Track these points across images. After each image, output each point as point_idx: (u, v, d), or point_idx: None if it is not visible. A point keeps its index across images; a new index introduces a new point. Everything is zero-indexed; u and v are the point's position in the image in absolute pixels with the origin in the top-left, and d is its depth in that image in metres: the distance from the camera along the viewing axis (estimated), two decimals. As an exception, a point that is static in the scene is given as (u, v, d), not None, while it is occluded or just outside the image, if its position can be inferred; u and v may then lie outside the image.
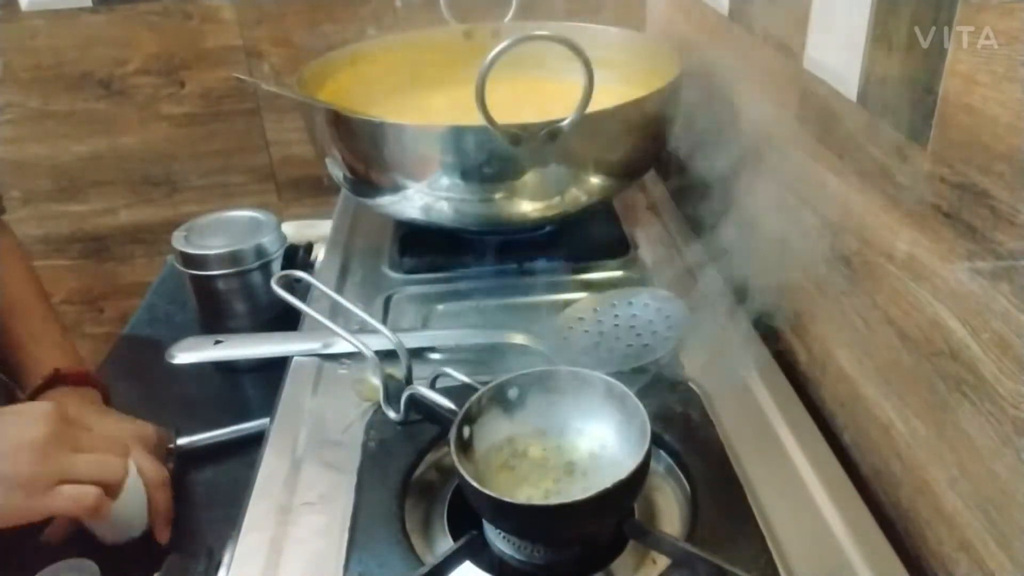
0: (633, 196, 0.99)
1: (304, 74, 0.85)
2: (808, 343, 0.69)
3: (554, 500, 0.49)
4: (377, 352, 0.61)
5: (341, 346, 0.70)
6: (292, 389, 0.68)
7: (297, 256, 0.93)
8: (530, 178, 0.72)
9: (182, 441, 0.77)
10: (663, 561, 0.50)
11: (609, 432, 0.54)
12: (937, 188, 0.47)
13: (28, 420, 0.58)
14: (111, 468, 0.61)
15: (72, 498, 0.57)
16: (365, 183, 0.78)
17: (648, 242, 0.89)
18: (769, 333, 0.75)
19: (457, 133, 0.69)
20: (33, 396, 0.73)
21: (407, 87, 0.94)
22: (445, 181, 0.72)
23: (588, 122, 0.66)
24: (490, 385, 0.54)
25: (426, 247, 0.86)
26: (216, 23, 1.24)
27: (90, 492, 0.57)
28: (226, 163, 1.35)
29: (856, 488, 0.56)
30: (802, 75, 0.64)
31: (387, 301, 0.80)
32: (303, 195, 1.37)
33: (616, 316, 0.70)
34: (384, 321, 0.76)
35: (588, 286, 0.79)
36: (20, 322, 0.80)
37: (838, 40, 0.58)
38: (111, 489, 0.60)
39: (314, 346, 0.72)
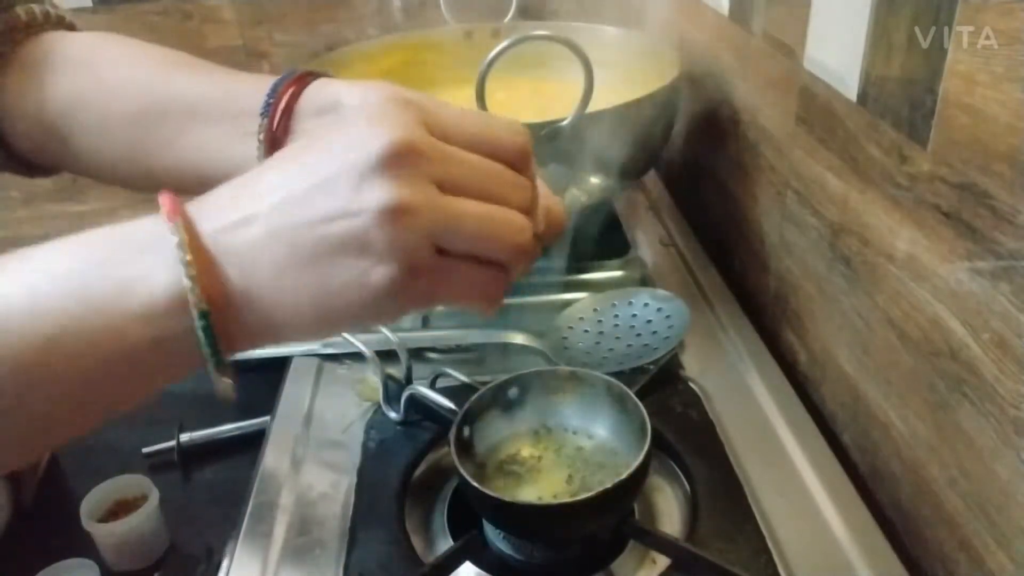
0: (633, 196, 0.99)
1: (304, 74, 0.85)
2: (808, 343, 0.69)
3: (554, 500, 0.49)
4: (377, 352, 0.61)
5: (341, 346, 0.70)
6: (292, 389, 0.68)
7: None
8: (530, 178, 0.72)
9: (184, 438, 0.77)
10: (663, 561, 0.50)
11: (609, 432, 0.54)
12: (937, 188, 0.47)
13: (356, 137, 0.31)
14: (511, 229, 0.33)
15: (464, 281, 0.33)
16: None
17: (648, 242, 0.89)
18: (769, 333, 0.75)
19: (457, 133, 0.69)
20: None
21: (407, 87, 0.94)
22: (445, 181, 0.72)
23: (588, 122, 0.66)
24: (490, 385, 0.54)
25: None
26: (216, 23, 1.24)
27: (484, 277, 0.33)
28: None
29: (856, 488, 0.56)
30: (802, 75, 0.64)
31: (387, 301, 0.80)
32: (303, 195, 1.36)
33: (616, 316, 0.70)
34: (384, 321, 0.76)
35: (588, 286, 0.79)
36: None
37: (838, 40, 0.58)
38: (507, 261, 0.34)
39: (314, 346, 0.72)
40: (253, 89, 0.47)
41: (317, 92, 0.46)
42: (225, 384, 0.33)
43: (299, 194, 0.31)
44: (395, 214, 0.30)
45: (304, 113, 0.46)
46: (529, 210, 0.34)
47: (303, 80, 0.47)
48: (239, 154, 0.47)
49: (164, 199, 0.33)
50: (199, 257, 0.31)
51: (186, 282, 0.30)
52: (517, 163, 0.34)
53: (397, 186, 0.30)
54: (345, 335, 0.63)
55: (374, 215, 0.30)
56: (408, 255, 0.30)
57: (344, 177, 0.30)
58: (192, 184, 0.51)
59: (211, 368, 0.32)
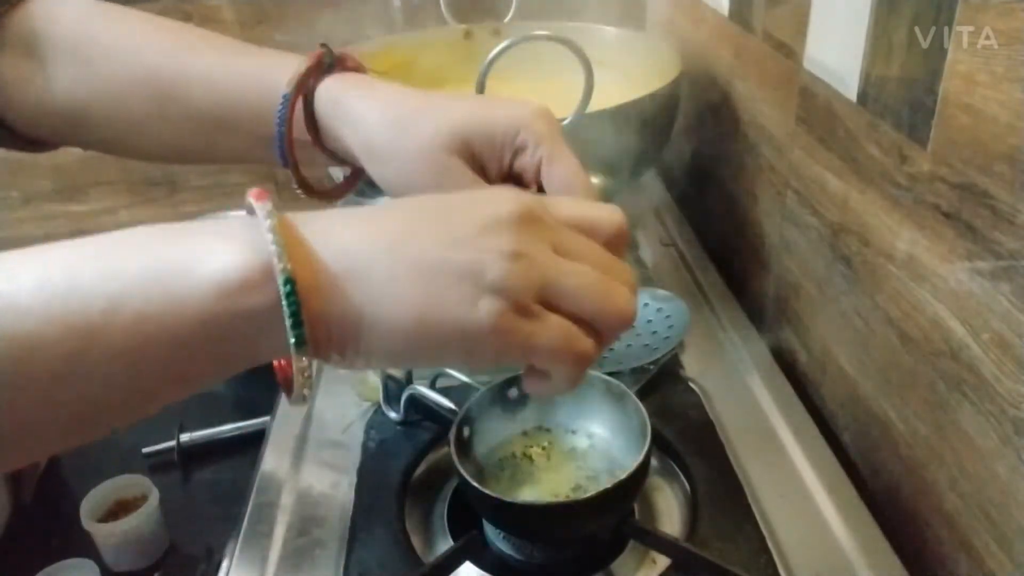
0: (633, 196, 0.99)
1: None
2: (808, 343, 0.69)
3: (554, 500, 0.49)
4: (377, 352, 0.61)
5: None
6: (292, 389, 0.68)
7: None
8: (530, 178, 0.72)
9: (184, 438, 0.77)
10: (663, 561, 0.50)
11: (609, 432, 0.54)
12: (937, 188, 0.47)
13: (488, 198, 0.34)
14: (617, 295, 0.35)
15: (564, 335, 0.34)
16: (366, 183, 0.78)
17: (648, 242, 0.89)
18: (769, 333, 0.75)
19: (457, 133, 0.69)
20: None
21: (408, 86, 0.94)
22: (445, 181, 0.72)
23: (588, 122, 0.66)
24: (490, 385, 0.54)
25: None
26: (216, 23, 1.24)
27: (582, 338, 0.34)
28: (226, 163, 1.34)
29: (856, 488, 0.56)
30: (802, 75, 0.64)
31: (387, 301, 0.80)
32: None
33: (616, 316, 0.70)
34: (384, 321, 0.76)
35: (588, 286, 0.79)
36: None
37: (838, 40, 0.58)
38: (607, 327, 0.35)
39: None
40: (267, 88, 0.46)
41: (335, 136, 0.46)
42: (302, 381, 0.32)
43: (427, 224, 0.33)
44: (514, 256, 0.32)
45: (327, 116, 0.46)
46: (632, 287, 0.36)
47: (304, 98, 0.46)
48: (271, 156, 0.47)
49: (252, 193, 0.32)
50: (290, 239, 0.30)
51: (273, 248, 0.29)
52: (614, 243, 0.37)
53: (520, 237, 0.33)
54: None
55: (496, 253, 0.32)
56: (518, 294, 0.32)
57: (475, 220, 0.33)
58: (247, 161, 0.53)
59: (292, 347, 0.30)
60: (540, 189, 0.44)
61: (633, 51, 0.91)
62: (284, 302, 0.29)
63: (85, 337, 0.28)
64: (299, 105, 0.46)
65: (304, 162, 0.48)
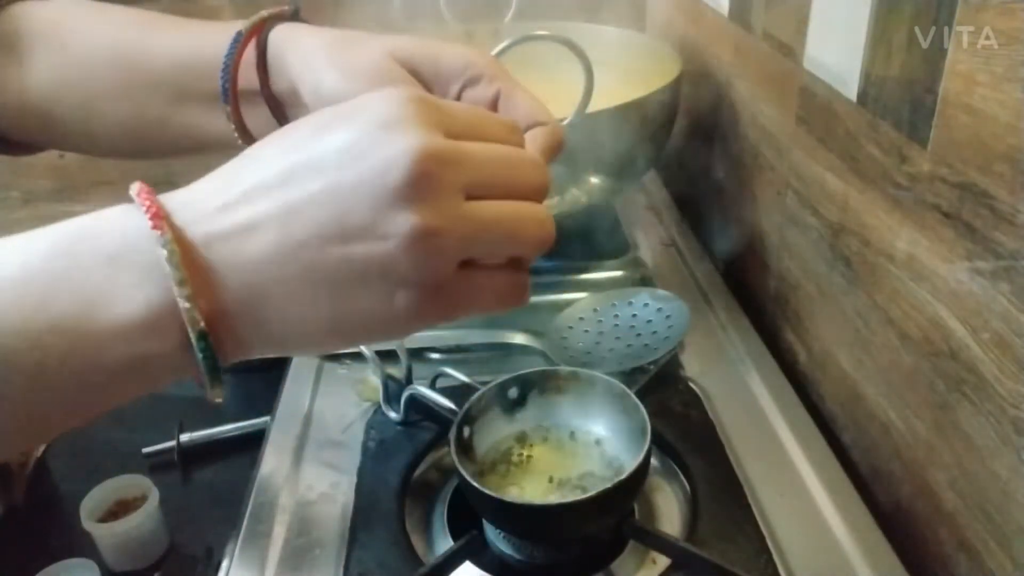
0: (633, 196, 0.99)
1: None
2: (808, 343, 0.69)
3: (554, 500, 0.49)
4: (377, 352, 0.61)
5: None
6: (292, 389, 0.68)
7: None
8: (530, 178, 0.72)
9: (184, 438, 0.77)
10: (663, 561, 0.50)
11: (609, 432, 0.54)
12: (937, 188, 0.47)
13: (376, 141, 0.29)
14: (534, 223, 0.31)
15: (488, 290, 0.32)
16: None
17: (648, 242, 0.89)
18: (769, 333, 0.75)
19: (457, 133, 0.69)
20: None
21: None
22: (445, 181, 0.72)
23: (588, 122, 0.66)
24: (490, 385, 0.54)
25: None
26: (216, 23, 1.24)
27: (506, 280, 0.32)
28: (226, 163, 1.34)
29: (856, 488, 0.56)
30: (802, 75, 0.64)
31: (387, 301, 0.80)
32: (303, 195, 1.36)
33: (616, 316, 0.70)
34: (384, 321, 0.76)
35: (588, 286, 0.79)
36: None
37: (838, 40, 0.58)
38: (528, 254, 0.33)
39: (314, 346, 0.72)
40: (218, 58, 0.46)
41: (280, 67, 0.46)
42: (216, 393, 0.30)
43: (308, 201, 0.28)
44: (423, 238, 0.28)
45: (275, 76, 0.46)
46: (546, 190, 0.33)
47: (257, 40, 0.46)
48: (231, 129, 0.47)
49: (141, 195, 0.29)
50: (194, 273, 0.28)
51: (183, 303, 0.27)
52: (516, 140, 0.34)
53: (424, 209, 0.28)
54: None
55: (400, 240, 0.28)
56: (434, 276, 0.29)
57: (365, 194, 0.28)
58: (197, 149, 0.51)
59: (207, 385, 0.29)
60: None
61: (633, 51, 0.90)
62: (199, 356, 0.28)
63: None
64: (251, 53, 0.46)
65: (248, 115, 0.47)
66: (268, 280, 0.29)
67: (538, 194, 0.32)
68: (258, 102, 0.47)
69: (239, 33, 0.45)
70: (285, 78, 0.46)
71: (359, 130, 0.29)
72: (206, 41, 0.47)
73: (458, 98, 0.43)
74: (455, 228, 0.29)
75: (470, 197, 0.30)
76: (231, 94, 0.46)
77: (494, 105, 0.42)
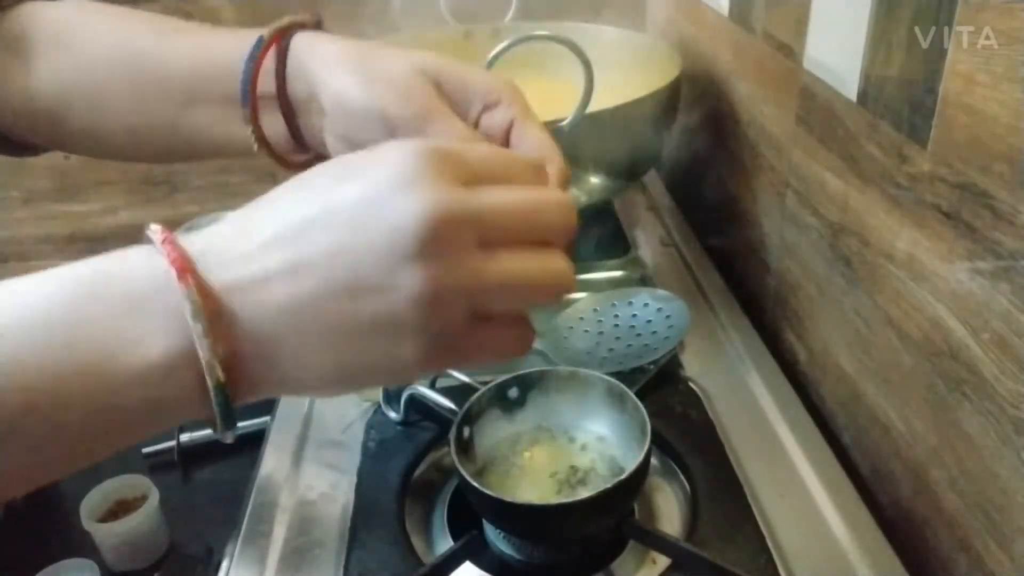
0: (633, 196, 0.99)
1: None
2: (808, 343, 0.69)
3: (554, 500, 0.49)
4: (377, 352, 0.61)
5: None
6: (292, 389, 0.68)
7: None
8: (530, 178, 0.72)
9: (184, 438, 0.77)
10: (663, 561, 0.50)
11: (609, 432, 0.54)
12: (937, 188, 0.47)
13: (389, 199, 0.29)
14: (551, 272, 0.32)
15: (494, 341, 0.33)
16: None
17: (648, 242, 0.89)
18: (769, 333, 0.75)
19: (457, 133, 0.69)
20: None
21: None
22: (445, 181, 0.72)
23: (588, 122, 0.66)
24: (490, 385, 0.54)
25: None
26: (216, 23, 1.24)
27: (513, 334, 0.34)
28: (226, 163, 1.34)
29: (856, 488, 0.56)
30: (802, 75, 0.64)
31: (387, 301, 0.80)
32: (303, 195, 1.36)
33: (616, 316, 0.70)
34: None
35: (588, 286, 0.79)
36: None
37: (838, 40, 0.58)
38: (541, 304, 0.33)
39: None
40: (234, 62, 0.45)
41: (300, 73, 0.45)
42: (228, 436, 0.31)
43: (322, 255, 0.29)
44: (432, 296, 0.29)
45: (294, 80, 0.45)
46: (572, 230, 0.33)
47: (278, 45, 0.45)
48: (245, 134, 0.46)
49: (165, 244, 0.29)
50: (214, 322, 0.28)
51: (204, 354, 0.28)
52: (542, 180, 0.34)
53: (435, 269, 0.28)
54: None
55: (409, 297, 0.29)
56: (441, 331, 0.30)
57: (377, 252, 0.29)
58: (204, 154, 0.51)
59: (219, 428, 0.30)
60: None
61: (633, 51, 0.91)
62: (216, 407, 0.29)
63: (4, 430, 0.27)
64: (270, 59, 0.45)
65: (264, 124, 0.47)
66: (282, 329, 0.30)
67: (564, 236, 0.32)
68: (271, 108, 0.47)
69: (260, 38, 0.44)
70: (304, 85, 0.45)
71: (374, 186, 0.29)
72: (217, 45, 0.47)
73: (477, 120, 0.43)
74: (465, 286, 0.29)
75: (491, 244, 0.30)
76: (250, 98, 0.45)
77: (507, 131, 0.42)
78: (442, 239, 0.29)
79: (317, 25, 0.47)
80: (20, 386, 0.27)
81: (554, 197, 0.33)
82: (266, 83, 0.46)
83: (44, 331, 0.28)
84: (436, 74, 0.42)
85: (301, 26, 0.46)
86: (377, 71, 0.42)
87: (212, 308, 0.29)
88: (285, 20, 0.46)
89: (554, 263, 0.32)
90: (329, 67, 0.44)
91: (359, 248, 0.29)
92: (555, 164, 0.40)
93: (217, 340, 0.28)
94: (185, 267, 0.29)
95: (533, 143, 0.41)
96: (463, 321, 0.30)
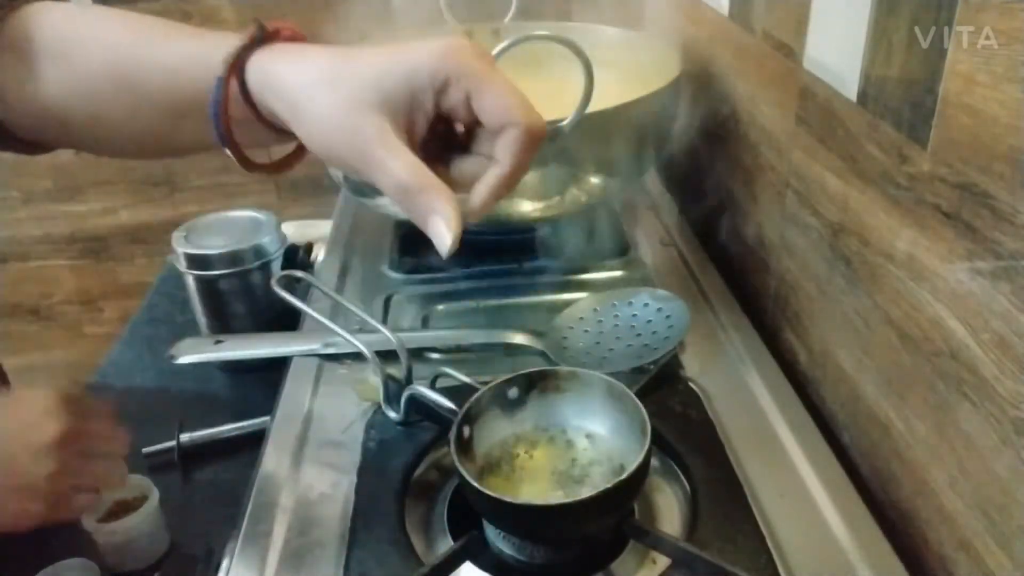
0: (633, 196, 0.99)
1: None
2: (808, 343, 0.69)
3: (554, 500, 0.49)
4: (377, 352, 0.61)
5: (341, 346, 0.70)
6: (292, 389, 0.68)
7: (297, 256, 0.93)
8: (530, 178, 0.72)
9: (184, 438, 0.77)
10: (663, 561, 0.50)
11: (609, 432, 0.54)
12: (937, 188, 0.47)
13: (37, 418, 0.55)
14: (117, 476, 0.61)
15: (83, 508, 0.59)
16: (365, 183, 0.78)
17: (648, 242, 0.89)
18: (769, 333, 0.75)
19: (457, 133, 0.69)
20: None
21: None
22: (445, 181, 0.72)
23: (588, 122, 0.66)
24: (490, 385, 0.54)
25: (426, 247, 0.84)
26: (216, 23, 1.24)
27: (95, 501, 0.60)
28: (226, 163, 1.34)
29: (856, 488, 0.56)
30: (802, 75, 0.64)
31: (387, 301, 0.80)
32: (303, 195, 1.37)
33: (616, 316, 0.70)
34: (384, 321, 0.76)
35: (588, 286, 0.79)
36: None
37: (838, 40, 0.58)
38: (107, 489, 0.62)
39: (314, 346, 0.72)
40: (208, 85, 0.45)
41: (265, 103, 0.45)
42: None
43: None
44: (55, 477, 0.54)
45: (262, 93, 0.45)
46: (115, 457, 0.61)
47: (237, 78, 0.46)
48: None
49: None
50: None
51: None
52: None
53: (59, 460, 0.54)
54: (345, 335, 0.62)
55: (45, 476, 0.54)
56: (55, 495, 0.55)
57: (27, 450, 0.54)
58: (205, 151, 0.52)
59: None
60: (478, 123, 0.42)
61: (633, 51, 0.91)
62: None
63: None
64: (237, 84, 0.45)
65: (252, 143, 0.48)
66: None
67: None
68: (254, 127, 0.47)
69: (219, 79, 0.44)
70: (277, 118, 0.45)
71: (30, 419, 0.56)
72: (194, 64, 0.47)
73: (436, 110, 0.42)
74: (72, 474, 0.57)
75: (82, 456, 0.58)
76: (227, 138, 0.46)
77: (469, 106, 0.41)
78: (64, 443, 0.55)
79: (262, 38, 0.46)
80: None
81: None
82: (240, 110, 0.46)
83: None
84: (384, 93, 0.41)
85: (251, 45, 0.45)
86: (326, 114, 0.42)
87: None
88: (233, 48, 0.44)
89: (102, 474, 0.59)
90: (286, 107, 0.44)
91: (16, 449, 0.55)
92: (519, 128, 0.40)
93: None
94: None
95: (493, 106, 0.40)
96: (66, 492, 0.57)
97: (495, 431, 0.54)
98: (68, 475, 0.55)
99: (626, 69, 0.86)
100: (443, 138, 0.45)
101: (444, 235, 0.41)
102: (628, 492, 0.49)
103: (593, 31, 0.93)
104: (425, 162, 0.41)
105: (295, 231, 1.03)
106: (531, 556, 0.50)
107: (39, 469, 0.53)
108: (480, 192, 0.42)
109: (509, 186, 0.42)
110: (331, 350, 0.71)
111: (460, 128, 0.44)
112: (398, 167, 0.40)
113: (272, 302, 0.85)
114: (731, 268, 0.85)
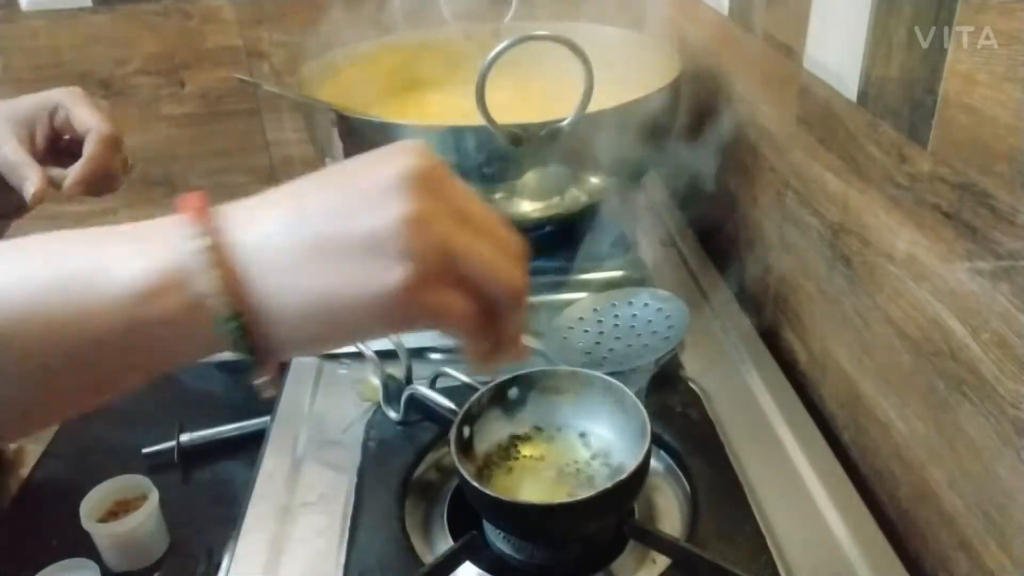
0: (633, 196, 0.99)
1: (304, 74, 0.85)
2: (808, 343, 0.69)
3: (554, 500, 0.49)
4: (377, 352, 0.61)
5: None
6: (292, 389, 0.68)
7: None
8: (530, 178, 0.72)
9: (184, 438, 0.77)
10: (663, 561, 0.50)
11: (609, 432, 0.54)
12: (937, 188, 0.47)
13: (389, 154, 0.34)
14: (513, 274, 0.35)
15: (471, 307, 0.34)
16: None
17: (648, 242, 0.89)
18: (769, 333, 0.75)
19: (457, 133, 0.69)
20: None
21: (407, 87, 0.94)
22: (445, 181, 0.72)
23: (588, 122, 0.66)
24: (490, 385, 0.54)
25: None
26: (216, 23, 1.24)
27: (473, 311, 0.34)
28: (226, 163, 1.35)
29: (856, 488, 0.56)
30: (802, 75, 0.64)
31: (387, 301, 0.80)
32: (303, 195, 1.36)
33: (616, 316, 0.70)
34: (384, 321, 0.76)
35: (588, 286, 0.79)
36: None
37: (838, 40, 0.58)
38: (501, 305, 0.35)
39: (314, 346, 0.71)
40: None
41: None
42: (264, 383, 0.33)
43: (319, 187, 0.33)
44: (415, 222, 0.31)
45: None
46: (523, 264, 0.36)
47: None
48: None
49: (189, 200, 0.32)
50: (216, 252, 0.30)
51: (205, 272, 0.30)
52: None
53: (419, 200, 0.32)
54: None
55: (396, 219, 0.31)
56: (422, 260, 0.31)
57: (372, 187, 0.32)
58: None
59: (250, 365, 0.32)
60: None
61: (633, 51, 0.90)
62: (232, 337, 0.31)
63: None
64: None
65: None
66: (273, 248, 0.31)
67: (518, 258, 0.36)
68: None
69: None
70: None
71: (371, 155, 0.34)
72: None
73: (51, 125, 0.64)
74: (442, 225, 0.32)
75: (462, 223, 0.33)
76: None
77: (70, 124, 0.63)
78: (426, 183, 0.32)
79: None
80: (15, 301, 0.29)
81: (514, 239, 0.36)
82: None
83: (42, 251, 0.31)
84: (13, 114, 0.62)
85: None
86: None
87: (215, 241, 0.31)
88: None
89: (516, 265, 0.35)
90: None
91: (353, 181, 0.33)
92: (101, 131, 0.61)
93: (216, 265, 0.30)
94: (196, 208, 0.31)
95: (80, 120, 0.62)
96: (440, 264, 0.32)
97: (495, 431, 0.54)
98: (436, 222, 0.32)
99: (626, 69, 0.86)
100: (66, 151, 0.64)
101: (28, 192, 0.61)
102: (628, 492, 0.49)
103: (593, 31, 0.93)
104: (50, 164, 0.62)
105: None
106: (531, 556, 0.50)
107: (388, 205, 0.32)
108: (70, 176, 0.61)
109: (92, 171, 0.61)
110: (331, 350, 0.71)
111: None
112: (7, 151, 0.61)
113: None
114: (731, 269, 0.85)
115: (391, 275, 0.31)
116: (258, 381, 0.32)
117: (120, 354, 0.31)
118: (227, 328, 0.30)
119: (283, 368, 0.71)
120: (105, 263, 0.30)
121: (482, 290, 0.34)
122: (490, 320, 0.35)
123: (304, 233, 0.31)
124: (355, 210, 0.32)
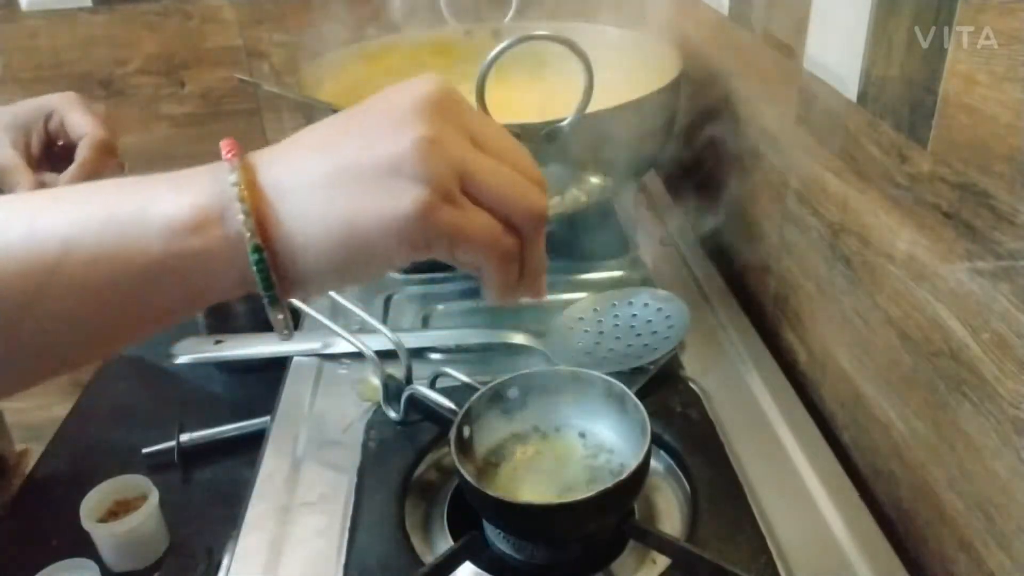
0: (633, 196, 0.99)
1: (304, 74, 0.85)
2: (808, 343, 0.69)
3: (554, 500, 0.49)
4: (377, 352, 0.61)
5: (341, 346, 0.70)
6: (292, 389, 0.68)
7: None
8: (530, 178, 0.72)
9: (184, 438, 0.77)
10: (663, 561, 0.50)
11: (609, 432, 0.54)
12: (937, 188, 0.47)
13: (407, 86, 0.35)
14: (532, 194, 0.35)
15: (491, 227, 0.34)
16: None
17: (648, 242, 0.89)
18: (769, 333, 0.75)
19: (457, 133, 0.69)
20: None
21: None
22: (445, 181, 0.72)
23: (588, 122, 0.66)
24: (490, 385, 0.54)
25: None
26: (216, 23, 1.24)
27: (507, 234, 0.35)
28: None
29: (856, 488, 0.56)
30: (802, 75, 0.64)
31: (387, 301, 0.80)
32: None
33: (616, 316, 0.70)
34: (384, 321, 0.76)
35: (588, 286, 0.79)
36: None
37: (838, 40, 0.58)
38: (523, 226, 0.36)
39: (314, 346, 0.72)
40: None
41: None
42: (278, 320, 0.35)
43: (347, 127, 0.35)
44: (430, 144, 0.33)
45: None
46: (543, 186, 0.36)
47: None
48: None
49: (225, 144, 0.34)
50: (250, 189, 0.33)
51: (240, 215, 0.32)
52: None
53: (434, 123, 0.33)
54: (345, 335, 0.62)
55: (411, 142, 0.32)
56: (439, 180, 0.33)
57: (389, 116, 0.34)
58: None
59: (267, 305, 0.34)
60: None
61: (633, 51, 0.90)
62: (255, 269, 0.32)
63: (43, 274, 0.31)
64: None
65: None
66: (298, 181, 0.33)
67: (538, 184, 0.36)
68: None
69: None
70: None
71: (397, 87, 0.36)
72: None
73: (46, 131, 0.65)
74: (458, 146, 0.34)
75: (480, 146, 0.35)
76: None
77: (65, 131, 0.64)
78: (442, 107, 0.34)
79: None
80: (61, 236, 0.31)
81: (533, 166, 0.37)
82: None
83: (91, 192, 0.33)
84: (13, 121, 0.63)
85: None
86: None
87: (245, 178, 0.33)
88: None
89: (535, 187, 0.36)
90: None
91: (371, 110, 0.35)
92: (93, 136, 0.62)
93: (245, 199, 0.32)
94: (234, 149, 0.34)
95: (73, 126, 0.63)
96: (457, 185, 0.33)
97: (495, 431, 0.54)
98: (452, 143, 0.33)
99: (626, 69, 0.86)
100: (61, 156, 0.65)
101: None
102: (628, 492, 0.49)
103: (593, 31, 0.93)
104: (45, 169, 0.64)
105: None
106: (531, 556, 0.50)
107: (405, 129, 0.33)
108: (60, 181, 0.62)
109: (83, 176, 0.62)
110: (331, 350, 0.71)
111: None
112: (2, 156, 0.62)
113: (272, 302, 0.85)
114: (731, 268, 0.85)
115: (409, 195, 0.32)
116: (277, 318, 0.34)
117: (163, 286, 0.33)
118: (253, 259, 0.32)
119: (283, 369, 0.71)
120: (151, 201, 0.32)
121: (501, 213, 0.35)
122: (511, 246, 0.35)
123: (326, 164, 0.33)
124: (373, 139, 0.33)
